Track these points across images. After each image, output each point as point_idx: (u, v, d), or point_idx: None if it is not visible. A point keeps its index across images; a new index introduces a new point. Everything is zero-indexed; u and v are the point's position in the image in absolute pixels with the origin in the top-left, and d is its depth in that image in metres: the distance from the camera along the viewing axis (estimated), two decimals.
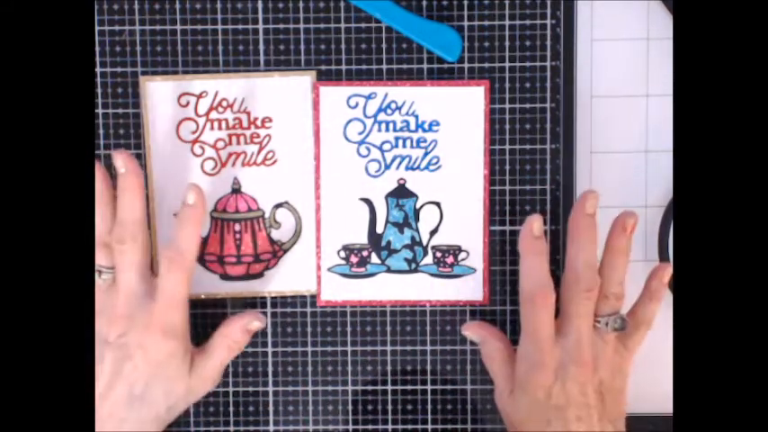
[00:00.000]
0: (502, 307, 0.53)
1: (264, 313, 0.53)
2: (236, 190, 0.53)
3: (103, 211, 0.50)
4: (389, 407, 0.53)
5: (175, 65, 0.52)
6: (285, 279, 0.53)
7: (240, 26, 0.52)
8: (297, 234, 0.53)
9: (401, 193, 0.53)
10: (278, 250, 0.53)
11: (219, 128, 0.52)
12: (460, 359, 0.53)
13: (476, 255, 0.53)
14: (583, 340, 0.48)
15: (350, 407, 0.53)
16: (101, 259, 0.49)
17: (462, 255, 0.53)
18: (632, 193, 0.53)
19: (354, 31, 0.52)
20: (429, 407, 0.53)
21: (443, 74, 0.52)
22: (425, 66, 0.52)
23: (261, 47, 0.52)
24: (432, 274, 0.53)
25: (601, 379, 0.48)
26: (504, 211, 0.52)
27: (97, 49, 0.52)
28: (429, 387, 0.53)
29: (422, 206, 0.53)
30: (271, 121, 0.52)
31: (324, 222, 0.53)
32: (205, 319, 0.53)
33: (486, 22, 0.52)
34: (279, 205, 0.53)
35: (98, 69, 0.52)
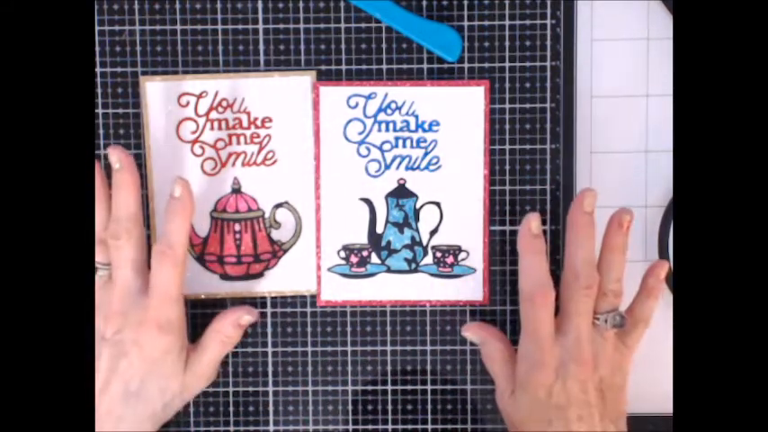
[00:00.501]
0: (502, 307, 0.53)
1: (264, 313, 0.53)
2: (236, 190, 0.53)
3: (99, 208, 0.50)
4: (389, 407, 0.53)
5: (175, 65, 0.52)
6: (285, 279, 0.53)
7: (240, 26, 0.52)
8: (297, 234, 0.53)
9: (401, 193, 0.53)
10: (278, 250, 0.53)
11: (219, 128, 0.52)
12: (460, 359, 0.53)
13: (476, 255, 0.53)
14: (582, 338, 0.48)
15: (350, 407, 0.53)
16: (97, 256, 0.49)
17: (462, 255, 0.53)
18: (632, 193, 0.53)
19: (354, 31, 0.52)
20: (429, 407, 0.53)
21: (443, 74, 0.52)
22: (425, 66, 0.52)
23: (261, 47, 0.52)
24: (432, 274, 0.53)
25: (601, 377, 0.48)
26: (504, 211, 0.52)
27: (97, 49, 0.52)
28: (429, 387, 0.53)
29: (422, 206, 0.53)
30: (271, 121, 0.52)
31: (324, 222, 0.53)
32: (205, 319, 0.53)
33: (486, 22, 0.52)
34: (279, 205, 0.53)
35: (98, 69, 0.52)
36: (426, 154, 0.52)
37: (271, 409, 0.54)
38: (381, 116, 0.52)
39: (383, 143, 0.52)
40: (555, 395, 0.47)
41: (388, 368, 0.53)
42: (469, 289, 0.53)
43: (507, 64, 0.52)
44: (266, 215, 0.53)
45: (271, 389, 0.53)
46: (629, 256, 0.51)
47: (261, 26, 0.52)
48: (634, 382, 0.50)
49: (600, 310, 0.49)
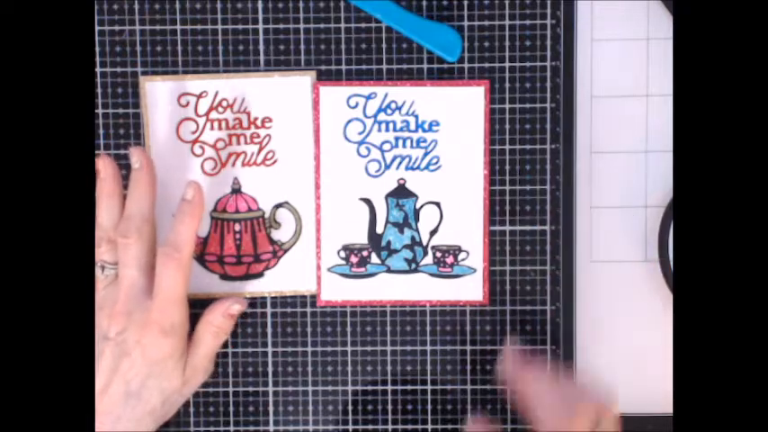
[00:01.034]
0: (502, 307, 0.53)
1: (264, 313, 0.53)
2: (236, 190, 0.53)
3: (111, 207, 0.50)
4: (389, 407, 0.53)
5: (175, 65, 0.52)
6: (285, 279, 0.53)
7: (240, 26, 0.52)
8: (297, 234, 0.53)
9: (401, 193, 0.53)
10: (278, 250, 0.53)
11: (219, 128, 0.52)
12: (460, 359, 0.53)
13: (476, 255, 0.53)
14: None
15: (350, 407, 0.53)
16: (105, 255, 0.49)
17: (462, 255, 0.53)
18: (632, 193, 0.53)
19: (354, 31, 0.52)
20: (429, 407, 0.53)
21: (443, 74, 0.52)
22: (425, 66, 0.52)
23: (261, 47, 0.52)
24: (432, 274, 0.53)
25: None
26: (504, 211, 0.52)
27: (97, 49, 0.52)
28: (429, 387, 0.53)
29: (422, 206, 0.53)
30: (271, 121, 0.52)
31: (324, 222, 0.53)
32: None
33: (486, 22, 0.52)
34: (279, 205, 0.53)
35: (98, 69, 0.52)
36: (426, 154, 0.52)
37: (271, 409, 0.54)
38: (381, 116, 0.52)
39: (383, 143, 0.52)
40: None
41: (388, 368, 0.53)
42: (469, 289, 0.53)
43: (507, 64, 0.52)
44: (266, 215, 0.53)
45: (271, 389, 0.53)
46: (629, 257, 0.51)
47: (261, 26, 0.52)
48: (634, 382, 0.50)
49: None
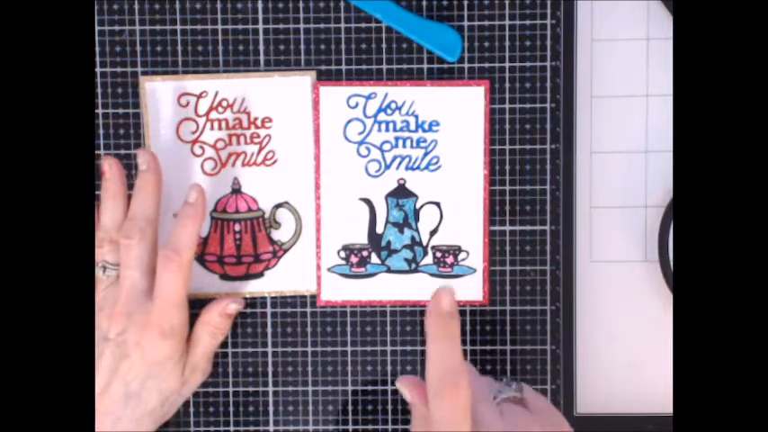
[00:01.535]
0: (502, 307, 0.53)
1: (264, 313, 0.53)
2: (236, 190, 0.53)
3: (114, 208, 0.50)
4: (389, 407, 0.53)
5: (175, 65, 0.52)
6: (285, 279, 0.53)
7: (240, 26, 0.52)
8: (297, 234, 0.53)
9: (401, 193, 0.53)
10: (278, 250, 0.53)
11: (219, 128, 0.52)
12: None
13: (476, 255, 0.53)
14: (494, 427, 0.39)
15: (350, 407, 0.53)
16: (107, 255, 0.50)
17: (462, 255, 0.53)
18: (632, 193, 0.53)
19: (354, 31, 0.52)
20: None
21: (443, 74, 0.52)
22: (425, 66, 0.52)
23: (261, 47, 0.52)
24: (432, 275, 0.53)
25: None
26: (504, 211, 0.52)
27: (97, 49, 0.52)
28: None
29: (422, 206, 0.53)
30: (271, 121, 0.52)
31: (324, 222, 0.53)
32: None
33: (486, 22, 0.52)
34: (279, 205, 0.53)
35: (98, 69, 0.52)
36: (426, 154, 0.52)
37: (271, 409, 0.54)
38: (381, 116, 0.52)
39: (383, 143, 0.52)
40: None
41: (388, 368, 0.53)
42: (469, 289, 0.53)
43: (507, 64, 0.52)
44: (266, 215, 0.53)
45: (271, 389, 0.54)
46: (629, 257, 0.51)
47: (261, 26, 0.52)
48: (634, 381, 0.50)
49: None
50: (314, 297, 0.53)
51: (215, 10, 0.52)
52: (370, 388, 0.53)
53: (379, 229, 0.53)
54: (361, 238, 0.53)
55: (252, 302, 0.53)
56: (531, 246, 0.52)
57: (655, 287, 0.53)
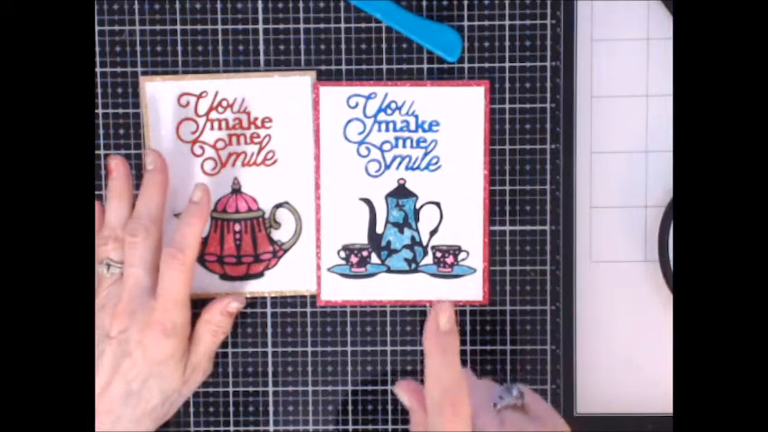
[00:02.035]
0: (502, 307, 0.53)
1: (264, 313, 0.53)
2: (236, 190, 0.53)
3: (120, 206, 0.50)
4: (389, 407, 0.53)
5: (175, 65, 0.52)
6: (285, 279, 0.53)
7: (240, 26, 0.52)
8: (297, 234, 0.53)
9: (401, 193, 0.53)
10: (278, 250, 0.53)
11: (219, 128, 0.52)
12: (460, 359, 0.53)
13: (476, 255, 0.53)
14: None
15: (350, 407, 0.53)
16: (111, 253, 0.50)
17: (462, 255, 0.53)
18: (632, 193, 0.53)
19: (354, 31, 0.52)
20: None
21: (443, 74, 0.52)
22: (425, 66, 0.52)
23: (261, 47, 0.52)
24: (432, 274, 0.53)
25: None
26: (504, 211, 0.52)
27: (97, 49, 0.52)
28: None
29: (422, 206, 0.53)
30: (271, 121, 0.52)
31: (324, 222, 0.53)
32: None
33: (486, 22, 0.52)
34: (279, 205, 0.53)
35: (98, 69, 0.52)
36: (426, 154, 0.52)
37: (271, 409, 0.54)
38: (381, 116, 0.52)
39: (383, 143, 0.52)
40: None
41: (388, 368, 0.53)
42: (469, 289, 0.53)
43: (507, 64, 0.52)
44: (266, 215, 0.53)
45: (271, 389, 0.54)
46: (629, 257, 0.51)
47: (261, 26, 0.52)
48: (634, 381, 0.50)
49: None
50: (314, 297, 0.53)
51: (215, 10, 0.52)
52: (370, 388, 0.53)
53: (379, 229, 0.53)
54: (361, 238, 0.53)
55: (252, 302, 0.53)
56: (531, 246, 0.52)
57: (655, 287, 0.53)
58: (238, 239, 0.53)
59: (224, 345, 0.53)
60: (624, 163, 0.53)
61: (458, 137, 0.52)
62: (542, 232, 0.52)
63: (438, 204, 0.53)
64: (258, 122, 0.52)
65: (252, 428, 0.53)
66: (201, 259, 0.53)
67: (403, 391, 0.43)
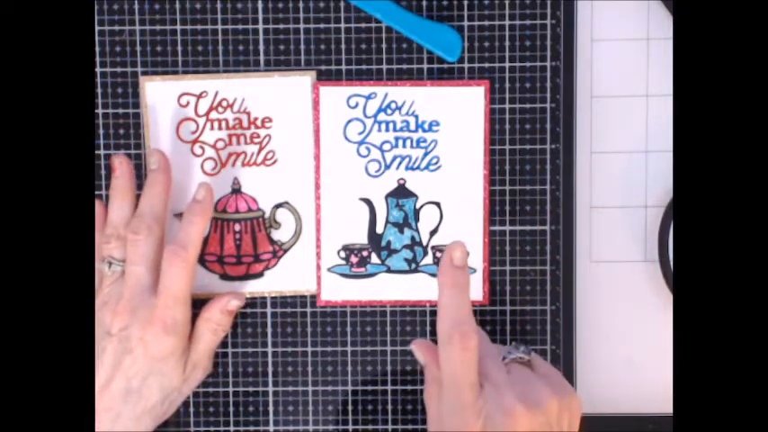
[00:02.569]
0: (502, 307, 0.53)
1: (264, 313, 0.53)
2: (236, 190, 0.53)
3: (123, 205, 0.50)
4: (389, 407, 0.53)
5: (175, 65, 0.52)
6: (285, 279, 0.53)
7: (240, 26, 0.52)
8: (297, 234, 0.53)
9: (401, 193, 0.53)
10: (278, 250, 0.53)
11: (219, 128, 0.52)
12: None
13: (476, 255, 0.53)
14: (500, 383, 0.42)
15: (350, 407, 0.53)
16: (113, 251, 0.50)
17: None
18: (632, 193, 0.53)
19: (354, 31, 0.52)
20: None
21: (443, 74, 0.52)
22: (425, 66, 0.52)
23: (261, 47, 0.52)
24: (432, 274, 0.53)
25: (554, 409, 0.42)
26: (504, 211, 0.52)
27: (97, 49, 0.52)
28: None
29: (422, 206, 0.53)
30: (271, 121, 0.52)
31: (324, 222, 0.53)
32: None
33: (486, 22, 0.52)
34: (279, 205, 0.53)
35: (98, 69, 0.52)
36: (426, 154, 0.52)
37: (271, 409, 0.54)
38: (381, 116, 0.52)
39: (383, 143, 0.52)
40: None
41: (388, 368, 0.53)
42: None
43: (507, 64, 0.52)
44: (266, 215, 0.53)
45: (271, 389, 0.54)
46: (629, 257, 0.51)
47: (261, 26, 0.52)
48: (634, 382, 0.50)
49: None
50: (314, 297, 0.53)
51: (215, 10, 0.52)
52: (370, 388, 0.53)
53: (379, 229, 0.53)
54: (361, 238, 0.53)
55: (252, 302, 0.53)
56: (531, 246, 0.52)
57: (655, 287, 0.53)
58: (238, 239, 0.53)
59: (224, 344, 0.53)
60: (624, 163, 0.53)
61: (458, 137, 0.52)
62: (542, 232, 0.52)
63: (438, 204, 0.53)
64: (258, 122, 0.52)
65: (252, 428, 0.53)
66: (201, 259, 0.53)
67: (418, 347, 0.46)
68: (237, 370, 0.53)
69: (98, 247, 0.50)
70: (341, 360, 0.53)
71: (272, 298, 0.53)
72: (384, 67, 0.52)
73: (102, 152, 0.53)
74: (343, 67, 0.52)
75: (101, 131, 0.53)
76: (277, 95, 0.52)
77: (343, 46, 0.52)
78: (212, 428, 0.53)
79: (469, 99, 0.52)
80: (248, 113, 0.52)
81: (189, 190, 0.52)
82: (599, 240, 0.53)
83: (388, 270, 0.53)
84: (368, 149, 0.52)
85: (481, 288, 0.53)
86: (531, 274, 0.53)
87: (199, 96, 0.52)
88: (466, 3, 0.52)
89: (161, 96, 0.52)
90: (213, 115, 0.52)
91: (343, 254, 0.53)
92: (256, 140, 0.52)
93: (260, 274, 0.53)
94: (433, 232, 0.53)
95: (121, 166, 0.51)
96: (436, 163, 0.52)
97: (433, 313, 0.53)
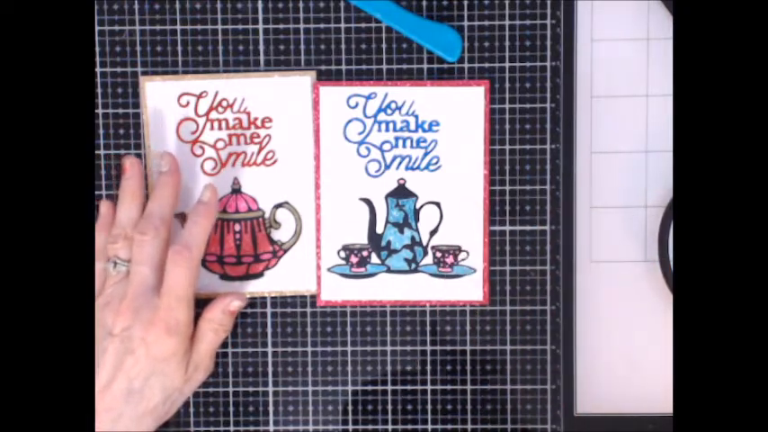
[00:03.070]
0: (502, 307, 0.53)
1: (264, 313, 0.53)
2: (236, 190, 0.53)
3: (131, 206, 0.50)
4: (389, 407, 0.53)
5: (175, 65, 0.52)
6: (285, 279, 0.53)
7: (240, 26, 0.52)
8: (297, 234, 0.53)
9: (401, 193, 0.53)
10: (278, 250, 0.53)
11: (219, 128, 0.52)
12: (460, 359, 0.53)
13: (476, 255, 0.53)
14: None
15: (350, 407, 0.53)
16: (120, 251, 0.50)
17: (462, 255, 0.53)
18: (632, 193, 0.53)
19: (354, 31, 0.52)
20: (429, 407, 0.53)
21: (443, 74, 0.52)
22: (425, 66, 0.52)
23: (261, 47, 0.52)
24: (432, 275, 0.53)
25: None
26: (504, 211, 0.52)
27: (97, 49, 0.52)
28: (429, 387, 0.53)
29: (422, 206, 0.53)
30: (271, 121, 0.52)
31: (324, 222, 0.53)
32: None
33: (486, 22, 0.52)
34: (279, 205, 0.53)
35: (98, 69, 0.52)
36: (426, 154, 0.52)
37: (271, 409, 0.54)
38: (381, 116, 0.52)
39: (383, 143, 0.52)
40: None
41: (388, 368, 0.53)
42: (469, 289, 0.53)
43: (507, 64, 0.52)
44: (266, 215, 0.53)
45: (271, 389, 0.54)
46: (629, 257, 0.51)
47: (261, 26, 0.52)
48: (634, 382, 0.50)
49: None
50: (314, 297, 0.53)
51: (215, 10, 0.52)
52: (370, 388, 0.53)
53: (379, 229, 0.53)
54: (361, 238, 0.53)
55: (252, 302, 0.53)
56: (531, 246, 0.52)
57: (655, 287, 0.53)
58: (238, 239, 0.53)
59: (224, 344, 0.53)
60: (624, 163, 0.53)
61: (458, 137, 0.52)
62: (542, 232, 0.52)
63: (438, 204, 0.53)
64: (258, 122, 0.52)
65: (252, 428, 0.53)
66: (201, 259, 0.53)
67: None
68: (237, 370, 0.53)
69: (104, 246, 0.50)
70: (341, 360, 0.53)
71: (272, 298, 0.53)
72: (384, 67, 0.52)
73: (102, 152, 0.53)
74: (343, 67, 0.52)
75: (101, 131, 0.53)
76: (277, 95, 0.52)
77: (343, 46, 0.52)
78: (212, 428, 0.53)
79: (469, 99, 0.52)
80: (248, 113, 0.52)
81: (189, 190, 0.52)
82: (599, 240, 0.53)
83: (388, 270, 0.53)
84: (368, 149, 0.52)
85: (481, 288, 0.53)
86: (531, 274, 0.53)
87: (199, 96, 0.52)
88: (466, 3, 0.52)
89: (161, 96, 0.52)
90: (213, 115, 0.52)
91: (343, 254, 0.53)
92: (256, 140, 0.52)
93: (260, 274, 0.53)
94: (433, 232, 0.53)
95: (132, 168, 0.51)
96: (436, 163, 0.52)
97: (433, 313, 0.53)
